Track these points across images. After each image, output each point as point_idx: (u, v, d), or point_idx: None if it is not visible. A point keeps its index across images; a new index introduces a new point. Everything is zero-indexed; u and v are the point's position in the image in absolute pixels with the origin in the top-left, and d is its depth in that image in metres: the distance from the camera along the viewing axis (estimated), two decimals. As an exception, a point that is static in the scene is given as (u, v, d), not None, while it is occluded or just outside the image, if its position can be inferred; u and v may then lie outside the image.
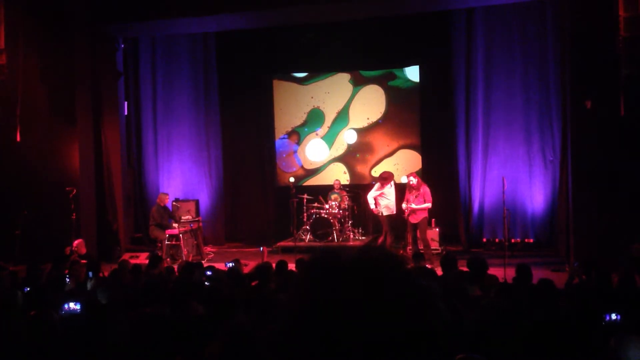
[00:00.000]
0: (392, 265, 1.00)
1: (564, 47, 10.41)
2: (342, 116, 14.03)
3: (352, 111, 13.96)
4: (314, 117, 14.17)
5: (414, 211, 10.40)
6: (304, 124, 14.22)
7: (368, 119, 13.89)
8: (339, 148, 14.11)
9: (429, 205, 10.39)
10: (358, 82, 13.95)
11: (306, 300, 0.97)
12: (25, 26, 11.27)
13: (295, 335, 0.96)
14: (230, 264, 7.89)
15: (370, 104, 13.83)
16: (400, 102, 13.67)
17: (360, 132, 13.96)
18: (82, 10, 11.75)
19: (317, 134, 14.15)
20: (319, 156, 14.24)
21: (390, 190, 11.03)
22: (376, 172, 13.66)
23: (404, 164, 13.52)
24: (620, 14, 8.89)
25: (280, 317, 1.01)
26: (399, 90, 13.68)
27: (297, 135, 14.30)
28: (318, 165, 14.26)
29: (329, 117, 14.08)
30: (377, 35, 13.06)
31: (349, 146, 14.04)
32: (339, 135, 14.08)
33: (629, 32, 8.84)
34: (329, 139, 14.14)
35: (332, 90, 14.00)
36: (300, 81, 14.18)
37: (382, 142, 13.84)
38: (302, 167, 14.33)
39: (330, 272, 0.99)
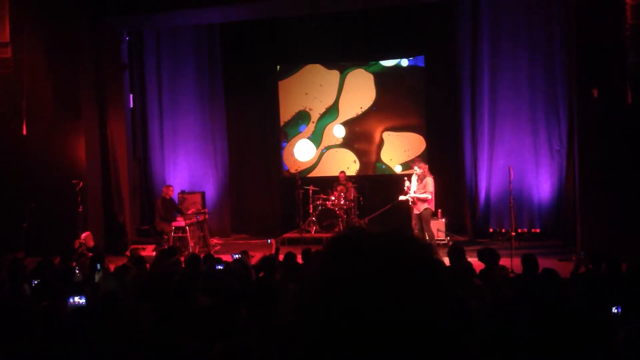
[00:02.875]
0: (418, 247, 1.01)
1: (570, 35, 10.33)
2: (332, 111, 14.02)
3: (343, 102, 13.92)
4: (301, 117, 14.19)
5: (414, 201, 10.26)
6: (291, 123, 14.23)
7: (361, 108, 13.87)
8: (329, 143, 14.08)
9: (427, 196, 10.08)
10: (341, 70, 13.94)
11: (329, 272, 0.98)
12: (30, 19, 11.29)
13: (315, 307, 0.97)
14: (237, 256, 7.89)
15: (360, 92, 13.81)
16: (388, 87, 13.63)
17: (355, 122, 13.92)
18: (87, 3, 11.75)
19: (312, 122, 14.12)
20: (306, 155, 14.25)
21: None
22: (392, 160, 13.65)
23: (414, 150, 13.45)
24: (627, 2, 8.83)
25: (302, 288, 1.02)
26: (385, 75, 13.64)
27: (285, 134, 14.39)
28: (306, 166, 14.22)
29: (317, 114, 14.07)
30: (382, 25, 13.02)
31: (343, 139, 14.02)
32: (327, 131, 14.05)
33: (636, 19, 8.78)
34: (317, 137, 14.14)
35: (325, 83, 13.99)
36: (279, 76, 14.20)
37: (378, 129, 13.79)
38: (287, 170, 14.39)
39: (355, 246, 1.00)
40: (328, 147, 14.12)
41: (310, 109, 14.14)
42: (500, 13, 12.01)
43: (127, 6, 11.69)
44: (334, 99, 13.99)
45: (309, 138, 14.21)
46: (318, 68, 14.07)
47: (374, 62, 13.74)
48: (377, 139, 13.85)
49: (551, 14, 11.53)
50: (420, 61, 13.48)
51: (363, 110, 13.88)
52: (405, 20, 12.82)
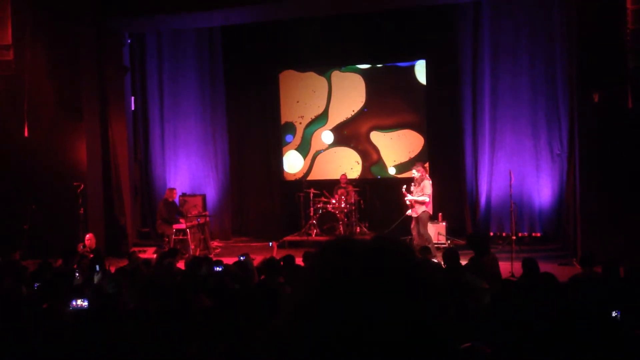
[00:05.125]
0: (402, 251, 1.08)
1: (571, 39, 10.35)
2: (321, 118, 13.99)
3: (333, 107, 13.87)
4: (289, 128, 14.22)
5: (412, 204, 10.24)
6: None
7: (353, 111, 13.83)
8: (318, 148, 14.07)
9: (425, 199, 10.08)
10: (322, 72, 13.93)
11: (321, 276, 1.05)
12: (32, 22, 11.31)
13: (310, 308, 1.02)
14: (242, 258, 7.89)
15: (353, 94, 13.74)
16: (379, 87, 13.60)
17: (350, 124, 13.86)
18: (89, 5, 11.78)
19: (300, 124, 14.13)
20: (295, 167, 14.26)
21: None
22: (395, 161, 13.60)
23: (416, 152, 13.41)
24: (628, 7, 8.84)
25: (297, 291, 1.09)
26: (381, 76, 13.63)
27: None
28: (298, 175, 14.16)
29: (309, 118, 14.05)
30: (382, 29, 12.99)
31: (332, 144, 13.99)
32: (315, 137, 14.03)
33: (637, 24, 8.79)
34: (305, 145, 14.13)
35: (317, 89, 13.99)
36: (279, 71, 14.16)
37: (376, 131, 13.74)
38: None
39: (344, 252, 1.07)
40: (325, 149, 14.09)
41: (301, 116, 14.10)
42: (501, 17, 12.02)
43: (129, 9, 11.71)
44: (326, 103, 13.94)
45: (296, 149, 14.18)
46: (317, 71, 14.04)
47: (370, 65, 13.70)
48: (377, 142, 13.79)
49: (552, 18, 11.55)
50: (421, 64, 13.42)
51: (354, 112, 13.78)
52: (405, 25, 12.78)
